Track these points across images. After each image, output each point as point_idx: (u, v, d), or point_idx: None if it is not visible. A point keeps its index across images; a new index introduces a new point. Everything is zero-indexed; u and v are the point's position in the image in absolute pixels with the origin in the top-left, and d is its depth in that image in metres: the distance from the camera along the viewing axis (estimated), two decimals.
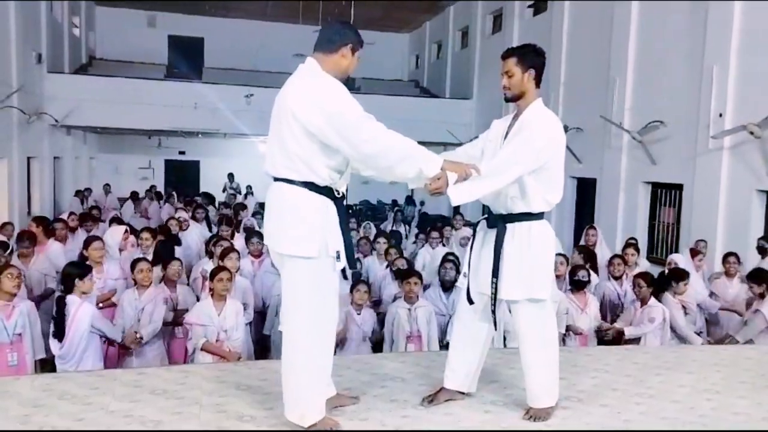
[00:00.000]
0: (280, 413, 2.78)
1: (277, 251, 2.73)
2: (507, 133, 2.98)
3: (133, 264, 5.15)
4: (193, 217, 8.74)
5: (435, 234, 7.97)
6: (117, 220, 8.38)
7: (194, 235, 7.95)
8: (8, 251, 5.95)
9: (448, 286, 5.67)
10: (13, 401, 3.03)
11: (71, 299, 4.41)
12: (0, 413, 2.90)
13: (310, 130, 2.58)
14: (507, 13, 15.34)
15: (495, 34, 16.47)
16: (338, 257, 2.69)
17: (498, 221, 2.96)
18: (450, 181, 2.63)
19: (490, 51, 16.40)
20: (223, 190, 16.76)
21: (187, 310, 5.12)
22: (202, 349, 4.75)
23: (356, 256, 5.03)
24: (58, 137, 15.19)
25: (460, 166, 2.69)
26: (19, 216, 11.97)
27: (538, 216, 2.94)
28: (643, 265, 7.23)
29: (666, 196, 10.08)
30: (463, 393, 3.16)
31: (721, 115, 8.56)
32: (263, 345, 5.74)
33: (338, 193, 2.73)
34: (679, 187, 9.61)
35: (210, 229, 8.74)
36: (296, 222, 2.64)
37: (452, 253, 6.79)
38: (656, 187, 10.27)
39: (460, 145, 13.61)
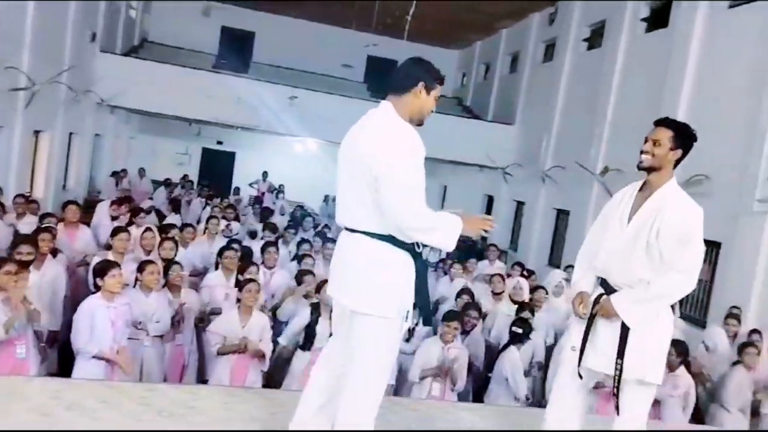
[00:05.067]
0: None
1: (351, 309, 2.61)
2: (632, 209, 2.93)
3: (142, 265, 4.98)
4: (223, 217, 8.73)
5: (458, 266, 7.76)
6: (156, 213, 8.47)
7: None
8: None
9: (467, 330, 5.59)
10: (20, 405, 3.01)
11: None
12: (4, 416, 2.88)
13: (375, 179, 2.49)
14: (560, 44, 15.16)
15: (546, 62, 16.29)
16: (406, 317, 2.59)
17: None
18: (617, 308, 2.77)
19: (538, 79, 16.24)
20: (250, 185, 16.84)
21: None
22: (220, 353, 4.72)
23: None
24: (101, 115, 15.39)
25: (474, 222, 2.62)
26: (55, 190, 12.17)
27: None
28: (678, 326, 7.04)
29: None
30: None
31: None
32: None
33: (419, 248, 2.62)
34: (716, 245, 9.33)
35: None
36: (377, 280, 2.55)
37: (468, 289, 6.64)
38: None
39: (496, 168, 13.37)
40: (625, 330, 2.82)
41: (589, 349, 2.94)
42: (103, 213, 7.91)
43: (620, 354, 2.81)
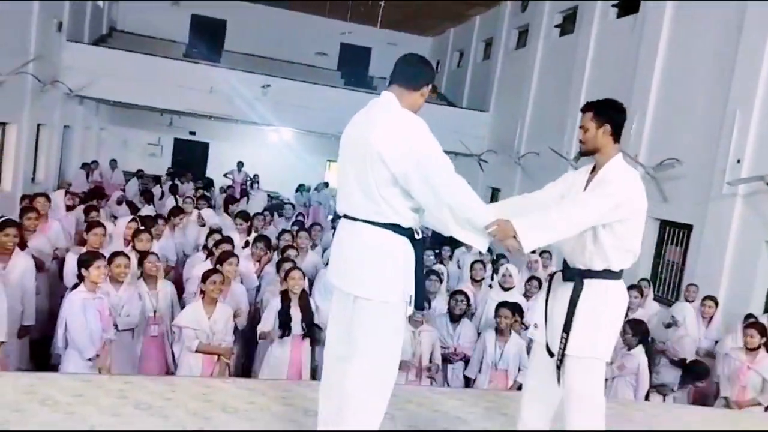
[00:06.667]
0: None
1: (355, 295, 2.65)
2: (585, 188, 2.93)
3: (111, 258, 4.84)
4: (197, 207, 8.64)
5: (429, 252, 7.90)
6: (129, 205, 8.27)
7: None
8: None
9: (456, 318, 5.59)
10: None
11: None
12: None
13: (394, 173, 2.54)
14: (533, 30, 15.21)
15: (519, 49, 16.33)
16: (410, 302, 2.64)
17: (575, 276, 2.88)
18: (517, 229, 2.62)
19: (511, 66, 16.29)
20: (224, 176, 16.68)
21: None
22: (196, 351, 4.68)
23: None
24: (70, 106, 15.07)
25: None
26: (23, 184, 11.92)
27: (617, 275, 2.88)
28: (652, 307, 7.40)
29: (674, 234, 9.97)
30: None
31: (739, 161, 8.45)
32: None
33: (418, 234, 2.68)
34: (688, 228, 9.50)
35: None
36: (380, 266, 2.61)
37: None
38: (665, 224, 10.16)
39: (471, 156, 13.32)
40: (572, 304, 2.83)
41: (548, 326, 2.97)
42: (59, 202, 7.67)
43: (566, 328, 2.83)
